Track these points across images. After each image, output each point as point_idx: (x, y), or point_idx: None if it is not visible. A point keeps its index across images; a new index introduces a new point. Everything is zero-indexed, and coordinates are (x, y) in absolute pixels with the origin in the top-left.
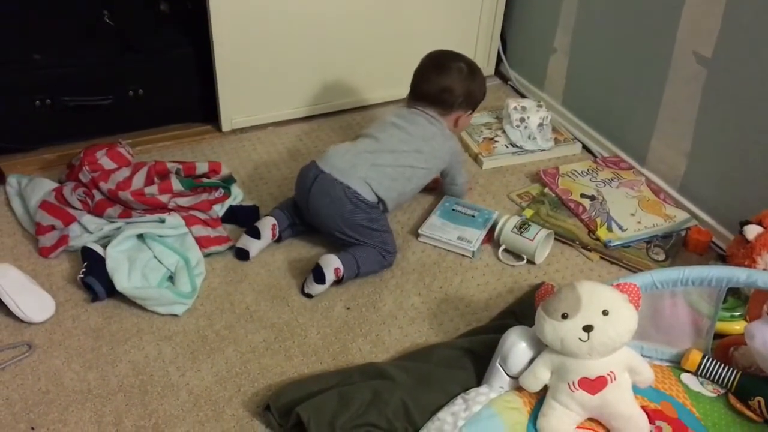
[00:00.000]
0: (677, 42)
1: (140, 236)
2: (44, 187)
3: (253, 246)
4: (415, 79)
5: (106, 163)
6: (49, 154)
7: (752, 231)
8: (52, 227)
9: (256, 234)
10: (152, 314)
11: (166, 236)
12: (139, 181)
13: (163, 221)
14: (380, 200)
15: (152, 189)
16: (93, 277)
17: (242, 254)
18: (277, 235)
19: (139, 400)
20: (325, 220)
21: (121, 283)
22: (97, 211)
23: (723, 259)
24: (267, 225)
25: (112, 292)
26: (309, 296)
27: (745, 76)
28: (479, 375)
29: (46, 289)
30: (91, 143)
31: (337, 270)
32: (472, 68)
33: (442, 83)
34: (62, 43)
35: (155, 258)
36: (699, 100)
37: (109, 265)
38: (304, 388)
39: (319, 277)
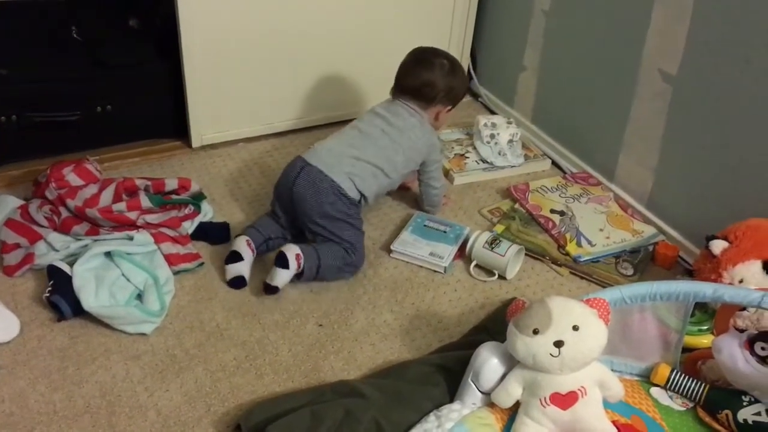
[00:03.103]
0: (643, 60)
1: (108, 254)
2: (9, 204)
3: (243, 269)
4: (399, 73)
5: (73, 179)
6: (14, 170)
7: (718, 246)
8: (17, 245)
9: (237, 258)
10: (120, 333)
11: (134, 254)
12: (107, 198)
13: (131, 238)
14: (362, 195)
15: (120, 206)
16: (59, 295)
17: (239, 282)
18: (254, 250)
19: (106, 421)
20: (305, 208)
21: (88, 301)
22: (63, 229)
23: (690, 273)
24: (242, 244)
25: (78, 311)
26: (273, 289)
27: (709, 93)
28: (452, 391)
29: (10, 308)
30: (58, 159)
31: (297, 256)
32: (454, 65)
33: (424, 77)
34: (29, 58)
35: (123, 276)
36: (665, 116)
37: (76, 283)
38: (276, 407)
39: (283, 262)
